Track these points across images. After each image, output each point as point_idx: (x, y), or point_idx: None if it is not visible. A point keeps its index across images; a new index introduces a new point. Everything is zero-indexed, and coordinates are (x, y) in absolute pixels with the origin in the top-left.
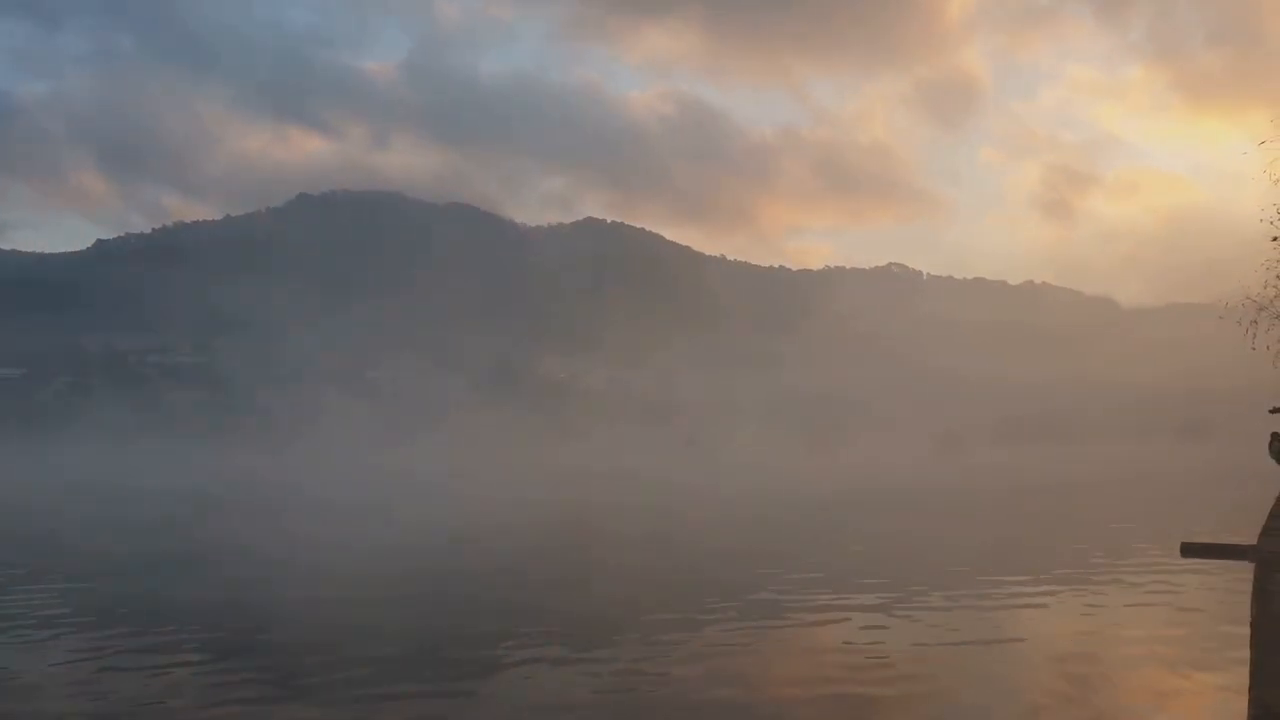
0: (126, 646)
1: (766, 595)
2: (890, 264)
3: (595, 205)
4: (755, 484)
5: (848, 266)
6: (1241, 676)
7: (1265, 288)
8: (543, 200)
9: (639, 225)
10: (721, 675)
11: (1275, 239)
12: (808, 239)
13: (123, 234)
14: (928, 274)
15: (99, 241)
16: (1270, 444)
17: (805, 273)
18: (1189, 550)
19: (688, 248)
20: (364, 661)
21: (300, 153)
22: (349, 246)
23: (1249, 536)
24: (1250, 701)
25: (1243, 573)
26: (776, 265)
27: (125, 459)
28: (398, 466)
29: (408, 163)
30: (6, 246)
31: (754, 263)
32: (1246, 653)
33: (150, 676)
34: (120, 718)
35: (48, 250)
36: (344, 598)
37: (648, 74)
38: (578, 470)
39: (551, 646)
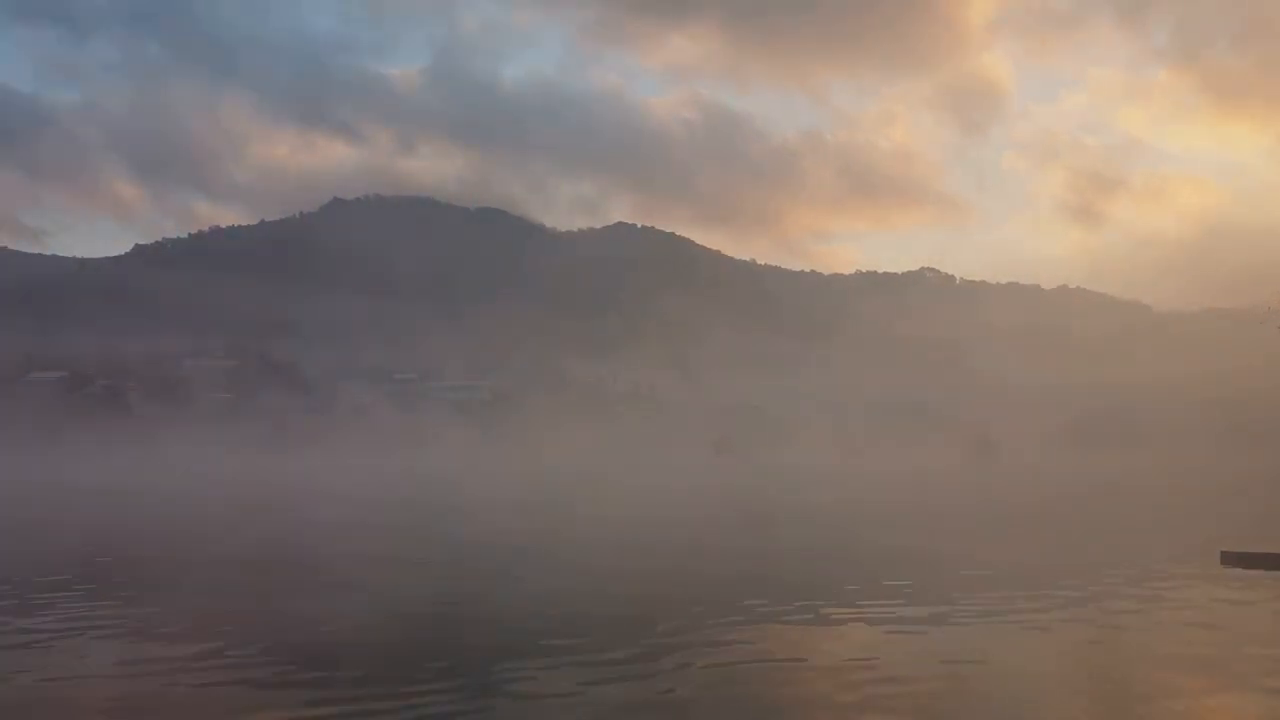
0: None
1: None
2: (923, 268)
3: (621, 209)
4: (829, 488)
5: (879, 271)
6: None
7: None
8: (569, 204)
9: (668, 230)
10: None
11: None
12: (834, 242)
13: (159, 239)
14: (960, 278)
15: (137, 246)
16: None
17: (838, 277)
18: (1229, 559)
19: (718, 252)
20: None
21: (327, 158)
22: (383, 250)
23: None
24: None
25: None
26: (808, 269)
27: (165, 461)
28: (448, 467)
29: (434, 168)
30: (47, 252)
31: (785, 267)
32: None
33: None
34: None
35: (87, 255)
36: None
37: (669, 79)
38: (626, 473)
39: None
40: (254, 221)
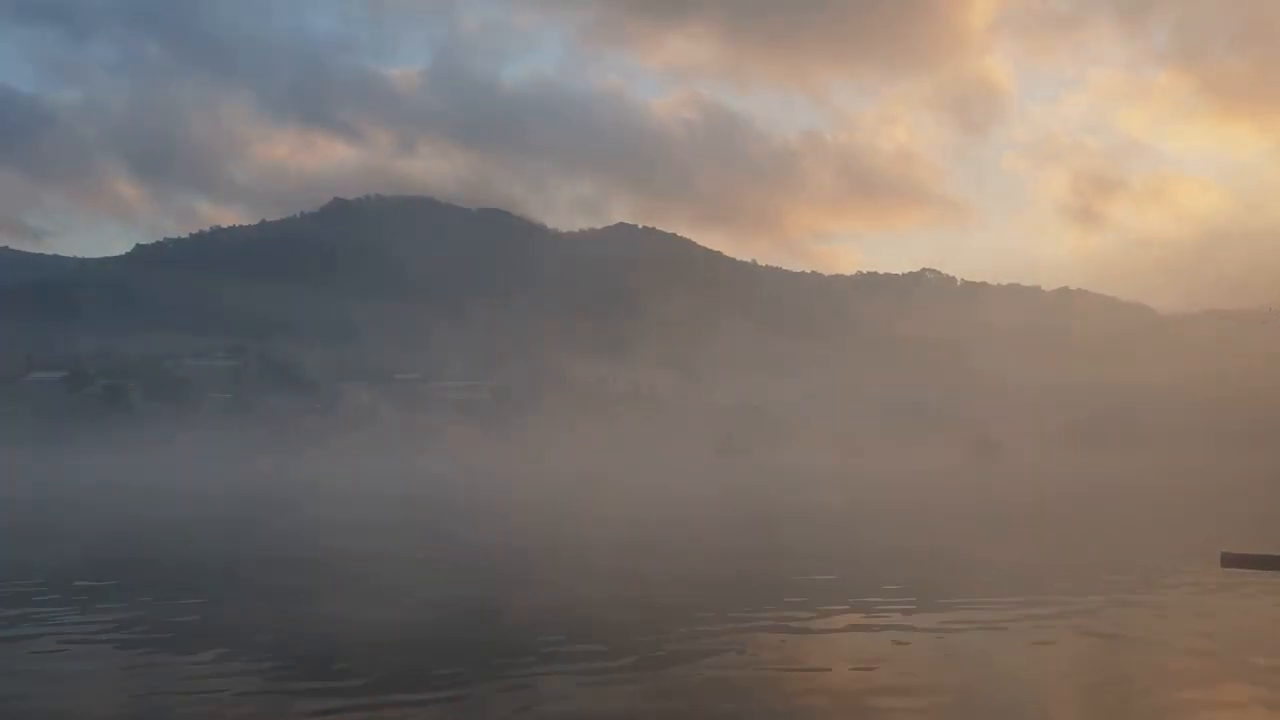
0: None
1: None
2: (924, 269)
3: (621, 210)
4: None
5: (880, 272)
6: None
7: None
8: (570, 205)
9: (668, 230)
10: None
11: None
12: (834, 243)
13: (160, 239)
14: (961, 279)
15: (138, 246)
16: None
17: (839, 278)
18: (1230, 561)
19: (718, 253)
20: None
21: (328, 158)
22: (384, 250)
23: None
24: None
25: None
26: (808, 270)
27: (167, 461)
28: (450, 467)
29: (435, 168)
30: (48, 252)
31: (786, 268)
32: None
33: None
34: None
35: (88, 255)
36: None
37: (669, 79)
38: (629, 475)
39: None
40: (255, 221)
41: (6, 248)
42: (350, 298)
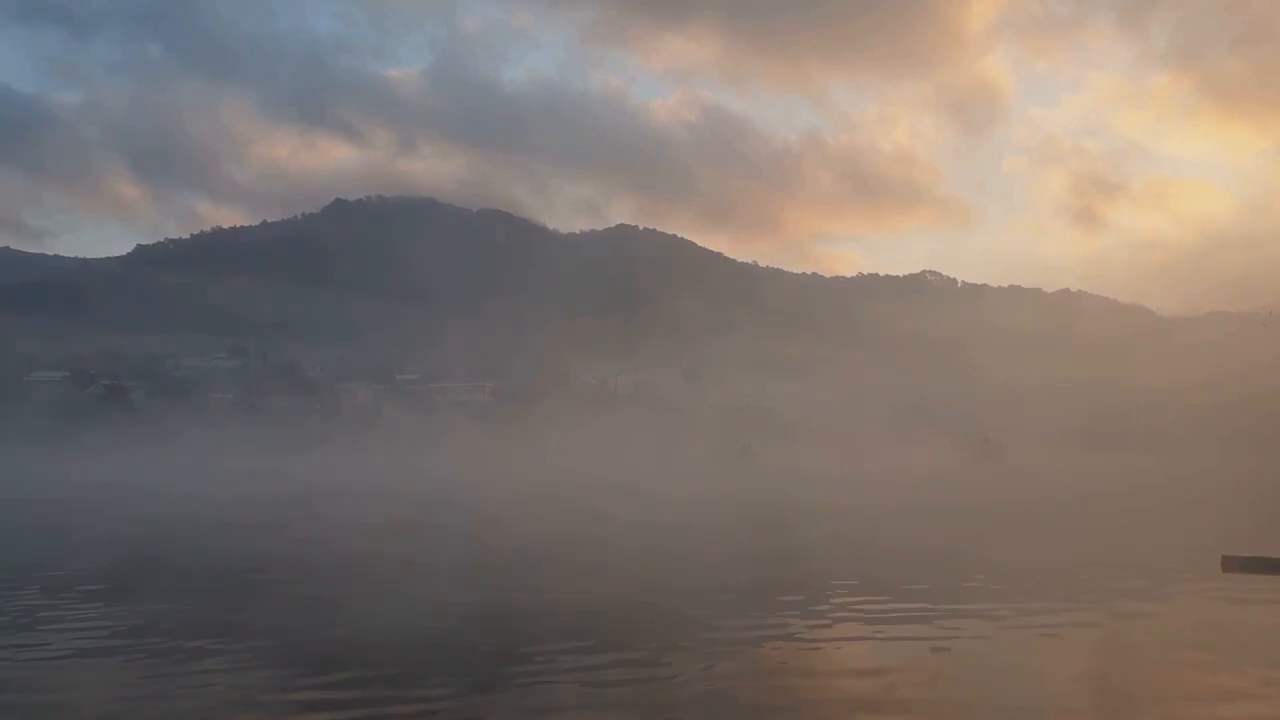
0: None
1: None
2: (925, 271)
3: (622, 211)
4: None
5: (881, 274)
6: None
7: None
8: (570, 206)
9: (669, 232)
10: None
11: None
12: (835, 245)
13: (162, 239)
14: (962, 281)
15: (139, 247)
16: None
17: (839, 279)
18: (1231, 564)
19: (719, 254)
20: None
21: (329, 159)
22: (385, 251)
23: None
24: None
25: None
26: (809, 272)
27: (170, 462)
28: (451, 468)
29: (435, 169)
30: (50, 252)
31: (787, 269)
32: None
33: None
34: None
35: (89, 255)
36: None
37: (670, 81)
38: (646, 478)
39: None
40: (256, 222)
41: (7, 248)
42: (351, 298)
